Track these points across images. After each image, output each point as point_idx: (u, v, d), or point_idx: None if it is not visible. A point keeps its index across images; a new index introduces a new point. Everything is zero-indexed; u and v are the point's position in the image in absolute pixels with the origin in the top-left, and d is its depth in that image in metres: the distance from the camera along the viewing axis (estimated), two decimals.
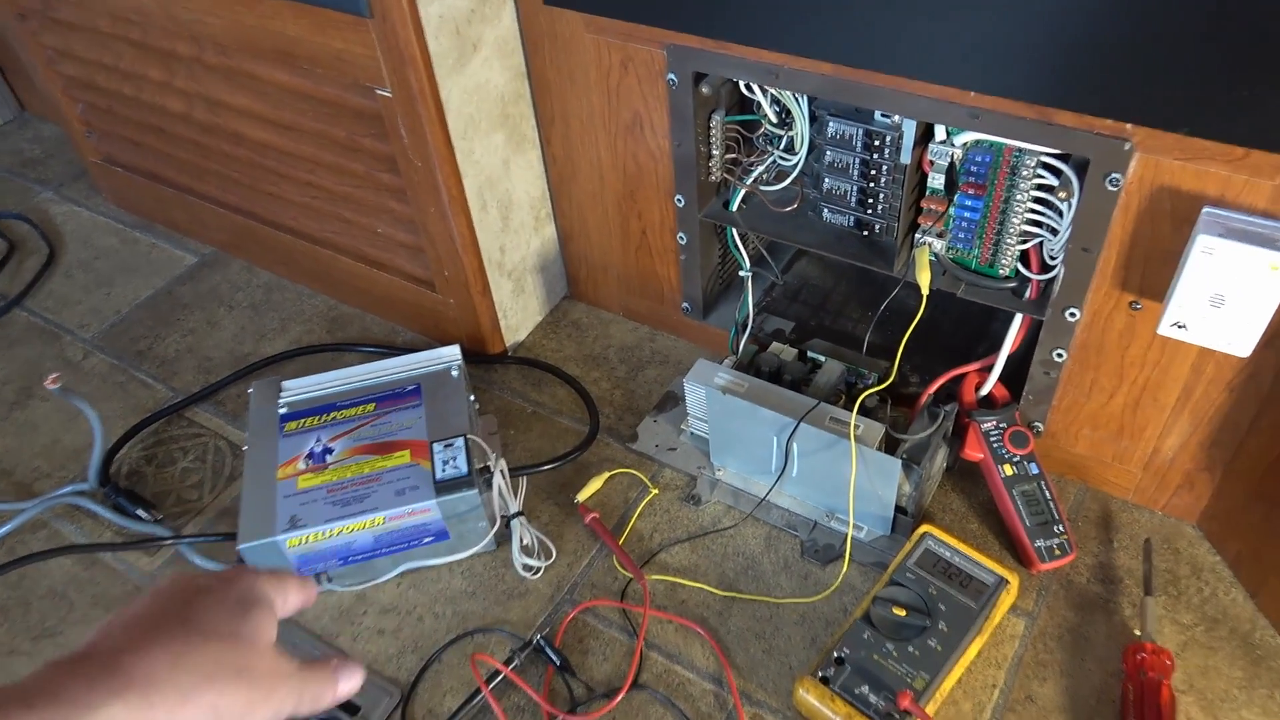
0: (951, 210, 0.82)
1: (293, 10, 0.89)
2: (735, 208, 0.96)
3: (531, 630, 0.87)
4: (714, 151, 0.93)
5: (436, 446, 0.90)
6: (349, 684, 0.48)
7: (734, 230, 0.99)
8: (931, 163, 0.81)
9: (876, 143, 0.81)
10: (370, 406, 0.96)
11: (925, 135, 0.80)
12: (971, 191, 0.80)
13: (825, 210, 0.89)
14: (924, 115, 0.77)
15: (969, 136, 0.78)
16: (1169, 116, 0.65)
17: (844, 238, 0.90)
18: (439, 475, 0.87)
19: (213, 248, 1.35)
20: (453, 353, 1.00)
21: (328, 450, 0.92)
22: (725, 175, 0.95)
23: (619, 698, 0.80)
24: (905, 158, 0.81)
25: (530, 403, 1.08)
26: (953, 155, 0.79)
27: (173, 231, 1.38)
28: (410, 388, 0.97)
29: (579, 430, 1.04)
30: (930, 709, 0.75)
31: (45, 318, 1.26)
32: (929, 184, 0.82)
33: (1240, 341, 0.70)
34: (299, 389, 0.99)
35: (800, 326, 1.04)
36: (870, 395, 0.90)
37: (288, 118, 1.03)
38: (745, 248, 1.02)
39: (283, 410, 0.97)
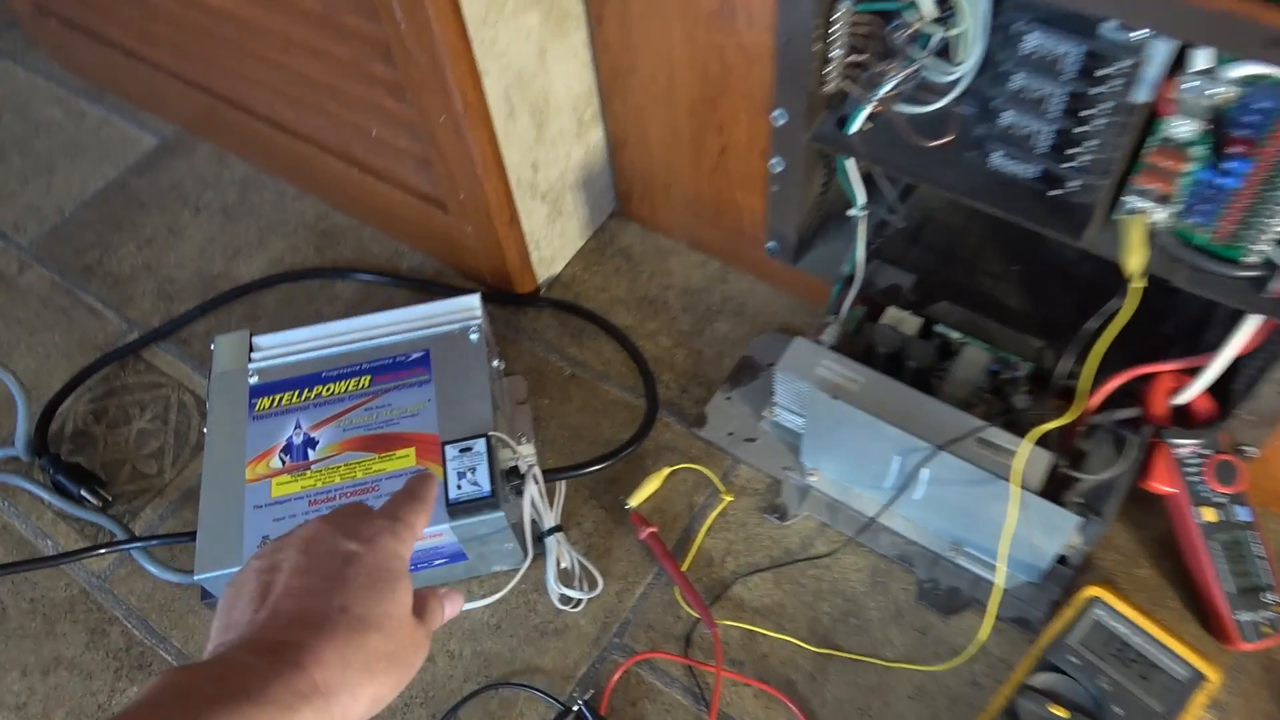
0: (1193, 170, 0.56)
1: None
2: (855, 129, 0.70)
3: (570, 685, 0.69)
4: (834, 52, 0.66)
5: (450, 451, 0.68)
6: (454, 608, 0.49)
7: (851, 161, 0.73)
8: (1177, 103, 0.54)
9: (1100, 70, 0.54)
10: (365, 381, 0.74)
11: (1174, 65, 0.54)
12: (1240, 149, 0.54)
13: (996, 154, 0.63)
14: (1193, 35, 0.50)
15: (1250, 69, 0.51)
16: None
17: (1016, 191, 0.64)
18: (453, 494, 0.66)
19: (176, 126, 1.09)
20: (471, 307, 0.77)
21: (310, 442, 0.72)
22: (846, 85, 0.68)
23: None
24: (1142, 95, 0.54)
25: (569, 361, 0.86)
26: (1219, 96, 0.53)
27: (127, 104, 1.12)
28: (417, 355, 0.75)
29: (630, 404, 0.82)
30: None
31: None
32: (1166, 131, 0.56)
33: None
34: (275, 348, 0.77)
35: (923, 282, 0.80)
36: (1014, 384, 0.67)
37: None
38: (860, 179, 0.76)
39: (253, 380, 0.75)
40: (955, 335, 0.74)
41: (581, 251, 0.93)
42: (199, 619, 0.74)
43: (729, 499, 0.76)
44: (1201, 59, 0.52)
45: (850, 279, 0.78)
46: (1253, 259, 0.59)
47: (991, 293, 0.79)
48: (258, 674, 0.37)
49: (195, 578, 0.66)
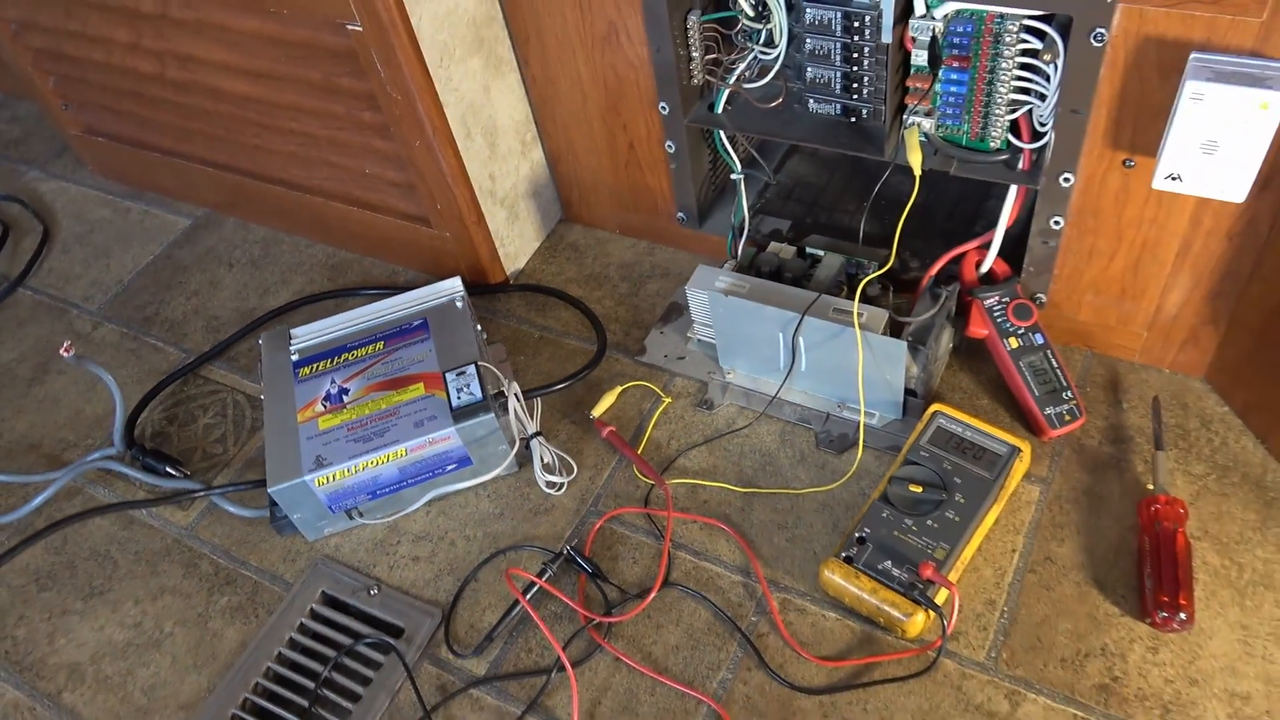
0: (937, 86, 0.82)
1: None
2: (720, 109, 0.96)
3: (561, 543, 0.89)
4: (693, 54, 0.92)
5: (449, 376, 0.91)
6: None
7: (721, 133, 0.99)
8: (913, 39, 0.80)
9: (856, 24, 0.80)
10: (379, 345, 0.97)
11: (905, 12, 0.79)
12: (956, 64, 0.79)
13: (810, 101, 0.89)
14: None
15: (949, 7, 0.77)
16: None
17: (832, 127, 0.89)
18: (455, 403, 0.88)
19: (205, 208, 1.35)
20: (454, 284, 1.01)
21: (344, 391, 0.94)
22: (708, 77, 0.94)
23: (651, 595, 0.83)
24: (887, 37, 0.80)
25: (537, 327, 1.09)
26: (934, 29, 0.78)
27: (163, 196, 1.38)
28: (417, 323, 0.98)
29: (587, 350, 1.05)
30: (952, 576, 0.78)
31: (49, 294, 1.27)
32: (912, 62, 0.81)
33: (1235, 186, 0.70)
34: (308, 335, 1.00)
35: (797, 224, 1.04)
36: (871, 283, 0.90)
37: (262, 65, 1.02)
38: (735, 150, 1.01)
39: (295, 357, 0.98)
40: (820, 252, 0.98)
41: (539, 250, 1.17)
42: (270, 544, 0.95)
43: (668, 401, 0.98)
44: (919, 5, 0.78)
45: (741, 228, 1.02)
46: (999, 144, 0.83)
47: (850, 224, 1.03)
48: None
49: (269, 489, 0.87)
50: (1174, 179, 0.72)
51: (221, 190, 1.28)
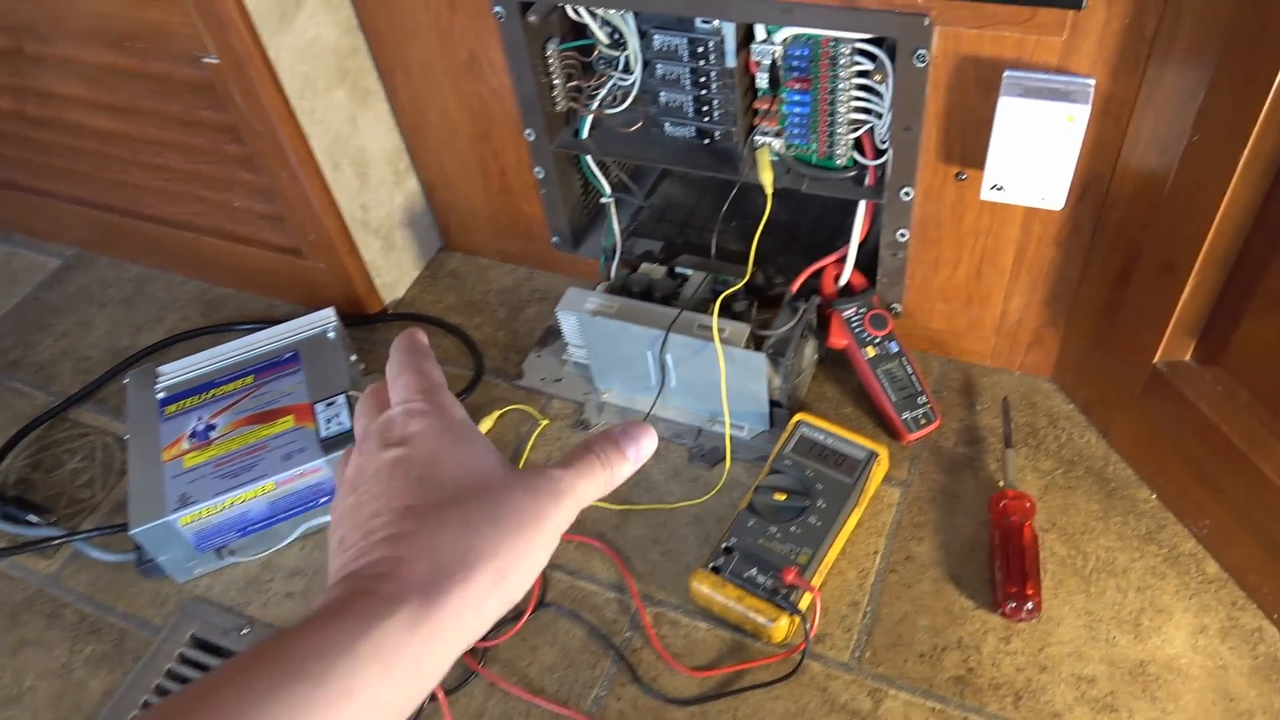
0: (782, 108, 0.85)
1: None
2: (585, 135, 0.98)
3: None
4: (555, 81, 0.94)
5: (319, 407, 0.90)
6: (639, 448, 0.40)
7: (589, 158, 1.01)
8: (757, 63, 0.83)
9: (700, 50, 0.83)
10: (249, 379, 0.96)
11: (748, 37, 0.83)
12: (797, 86, 0.82)
13: (667, 124, 0.91)
14: (740, 16, 0.79)
15: (787, 32, 0.80)
16: None
17: (690, 150, 0.92)
18: (323, 433, 0.88)
19: (76, 247, 1.31)
20: (327, 315, 1.00)
21: (210, 427, 0.92)
22: (571, 104, 0.96)
23: (525, 618, 0.83)
24: (730, 61, 0.83)
25: None
26: (774, 53, 0.82)
27: (30, 237, 1.34)
28: (288, 355, 0.97)
29: (466, 376, 1.05)
30: (816, 580, 0.80)
31: None
32: (757, 85, 0.85)
33: (1053, 194, 0.75)
34: (175, 372, 0.98)
35: (668, 245, 1.06)
36: (733, 296, 0.93)
37: (122, 100, 1.01)
38: (606, 175, 1.03)
39: (160, 395, 0.96)
40: (687, 271, 1.00)
41: (419, 278, 1.17)
42: (137, 589, 0.92)
43: (545, 423, 0.99)
44: (759, 30, 0.81)
45: (613, 250, 1.04)
46: (845, 162, 0.87)
47: (716, 243, 1.05)
48: (334, 606, 0.32)
49: (130, 532, 0.85)
50: (998, 189, 0.76)
51: (91, 228, 1.25)
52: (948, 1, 0.70)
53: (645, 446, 0.41)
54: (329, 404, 0.90)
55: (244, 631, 0.87)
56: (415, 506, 0.35)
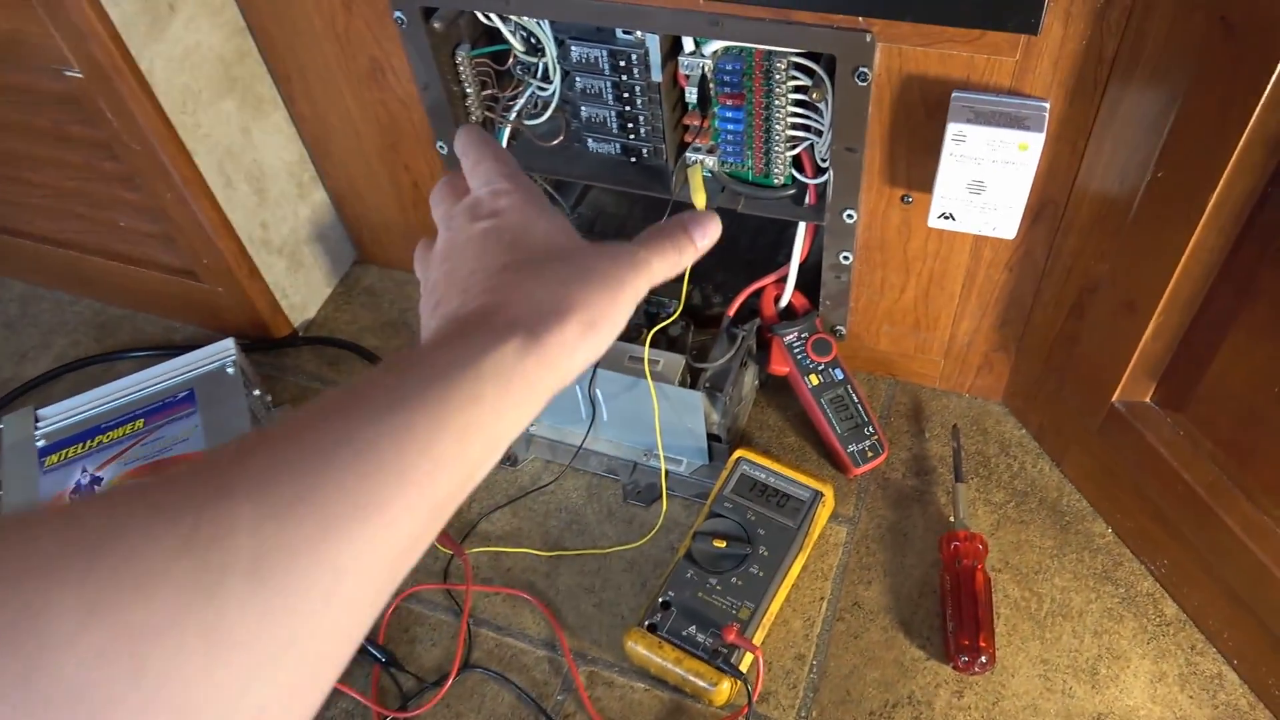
0: (714, 123, 0.78)
1: None
2: (504, 147, 0.89)
3: None
4: (467, 90, 0.86)
5: None
6: (706, 235, 0.43)
7: None
8: (686, 77, 0.76)
9: (623, 63, 0.75)
10: (139, 423, 0.87)
11: (674, 49, 0.75)
12: (729, 101, 0.75)
13: (589, 140, 0.84)
14: (664, 28, 0.71)
15: (717, 45, 0.73)
16: (896, 5, 0.62)
17: (617, 166, 0.85)
18: None
19: None
20: (225, 348, 0.91)
21: (96, 480, 0.84)
22: (486, 114, 0.88)
23: (448, 684, 0.77)
24: (656, 75, 0.75)
25: (329, 384, 1.00)
26: (703, 66, 0.75)
27: None
28: (182, 394, 0.89)
29: None
30: (759, 636, 0.75)
31: None
32: (686, 99, 0.78)
33: (1005, 224, 0.69)
34: (56, 416, 0.89)
35: None
36: (670, 326, 0.86)
37: None
38: None
39: (40, 443, 0.87)
40: None
41: (332, 296, 1.09)
42: None
43: None
44: (687, 43, 0.74)
45: None
46: (784, 180, 0.80)
47: None
48: (450, 334, 0.35)
49: None
50: (947, 218, 0.70)
51: None
52: (887, 20, 0.64)
53: (711, 235, 0.43)
54: None
55: None
56: (511, 263, 0.37)
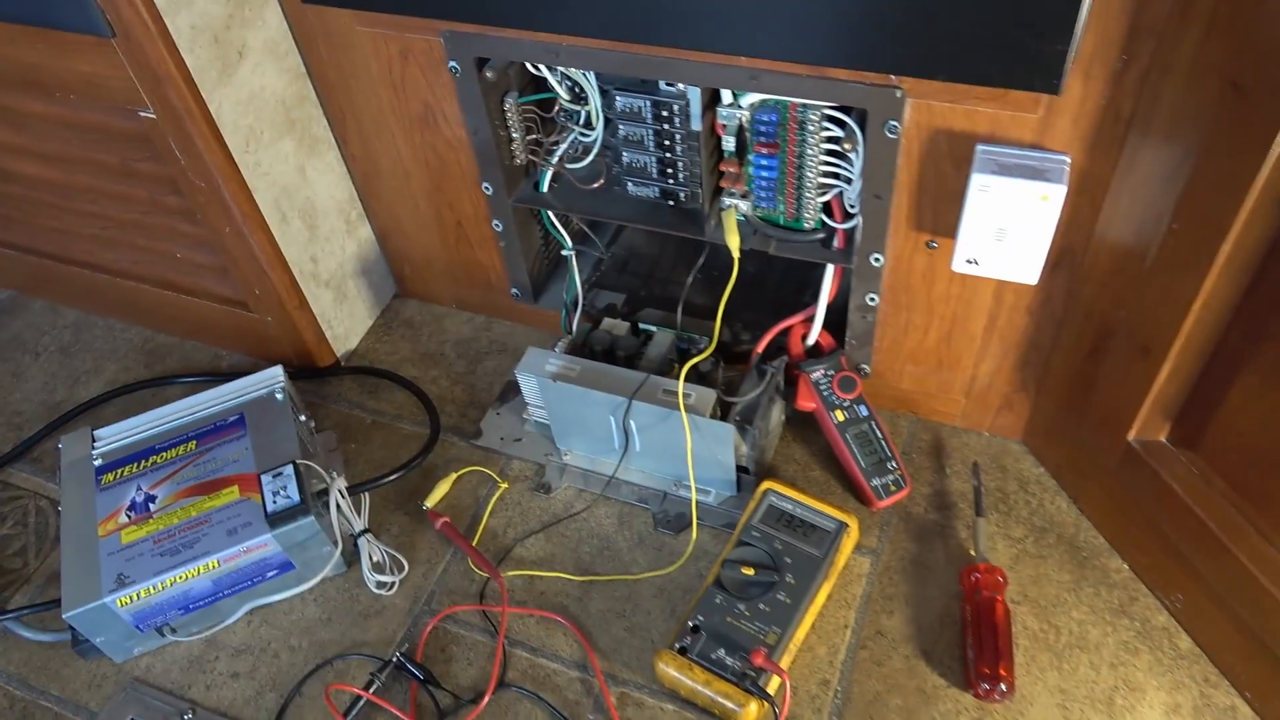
0: (749, 170, 0.82)
1: (26, 35, 0.81)
2: (545, 188, 0.94)
3: (392, 648, 0.85)
4: (513, 135, 0.91)
5: (265, 478, 0.86)
6: None
7: (548, 212, 0.97)
8: (723, 126, 0.81)
9: (665, 112, 0.80)
10: (191, 445, 0.91)
11: (713, 100, 0.80)
12: (764, 150, 0.80)
13: (630, 184, 0.88)
14: (705, 81, 0.76)
15: (754, 97, 0.78)
16: (926, 65, 0.66)
17: (654, 209, 0.89)
18: (270, 508, 0.84)
19: (9, 291, 1.25)
20: (274, 375, 0.96)
21: (150, 499, 0.87)
22: (530, 157, 0.93)
23: (484, 702, 0.80)
24: (696, 124, 0.80)
25: (369, 412, 1.04)
26: (741, 117, 0.79)
27: None
28: (233, 419, 0.93)
29: (422, 434, 1.01)
30: (785, 660, 0.77)
31: None
32: (723, 147, 0.82)
33: (1027, 270, 0.73)
34: (112, 437, 0.93)
35: (631, 298, 1.03)
36: (701, 361, 0.90)
37: (54, 148, 0.96)
38: (567, 227, 1.00)
39: (97, 462, 0.91)
40: (652, 328, 0.97)
41: (373, 328, 1.13)
42: (73, 669, 0.87)
43: (505, 486, 0.95)
44: (725, 94, 0.79)
45: (574, 304, 1.01)
46: (814, 224, 0.84)
47: (681, 297, 1.03)
48: None
49: (65, 615, 0.80)
50: (972, 263, 0.74)
51: (24, 273, 1.19)
52: (920, 79, 0.68)
53: None
54: (275, 475, 0.86)
55: (186, 716, 0.83)
56: None
